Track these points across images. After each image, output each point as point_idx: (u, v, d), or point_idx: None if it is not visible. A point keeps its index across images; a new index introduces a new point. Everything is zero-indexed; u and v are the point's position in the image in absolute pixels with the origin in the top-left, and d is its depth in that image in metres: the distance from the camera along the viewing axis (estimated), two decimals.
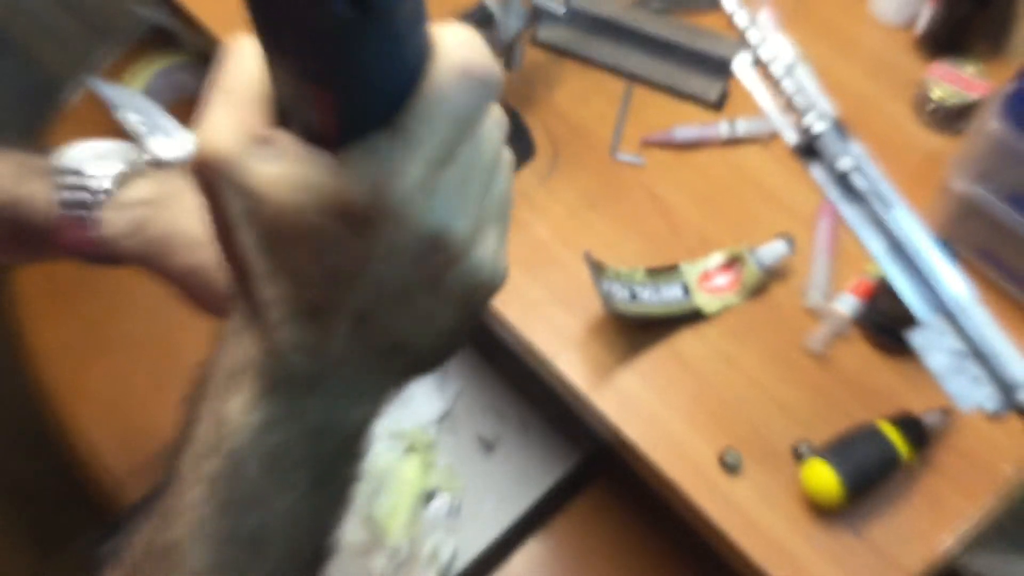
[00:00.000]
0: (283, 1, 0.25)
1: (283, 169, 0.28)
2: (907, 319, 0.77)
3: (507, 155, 0.33)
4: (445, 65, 0.28)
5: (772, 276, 0.83)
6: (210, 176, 0.29)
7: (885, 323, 0.78)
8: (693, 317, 0.81)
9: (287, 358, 0.31)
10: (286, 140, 0.28)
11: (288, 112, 0.29)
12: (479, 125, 0.30)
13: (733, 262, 0.82)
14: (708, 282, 0.78)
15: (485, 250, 0.32)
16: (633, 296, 0.75)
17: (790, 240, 0.82)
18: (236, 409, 0.31)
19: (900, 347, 0.79)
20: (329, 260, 0.29)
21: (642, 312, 0.76)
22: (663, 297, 0.77)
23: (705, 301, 0.78)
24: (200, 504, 0.32)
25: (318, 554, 0.36)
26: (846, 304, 0.81)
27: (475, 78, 0.29)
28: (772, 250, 0.82)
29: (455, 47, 0.29)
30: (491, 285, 0.33)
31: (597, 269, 0.78)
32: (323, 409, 0.32)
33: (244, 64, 0.29)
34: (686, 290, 0.78)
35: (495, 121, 0.31)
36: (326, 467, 0.34)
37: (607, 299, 0.76)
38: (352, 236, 0.28)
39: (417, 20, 0.28)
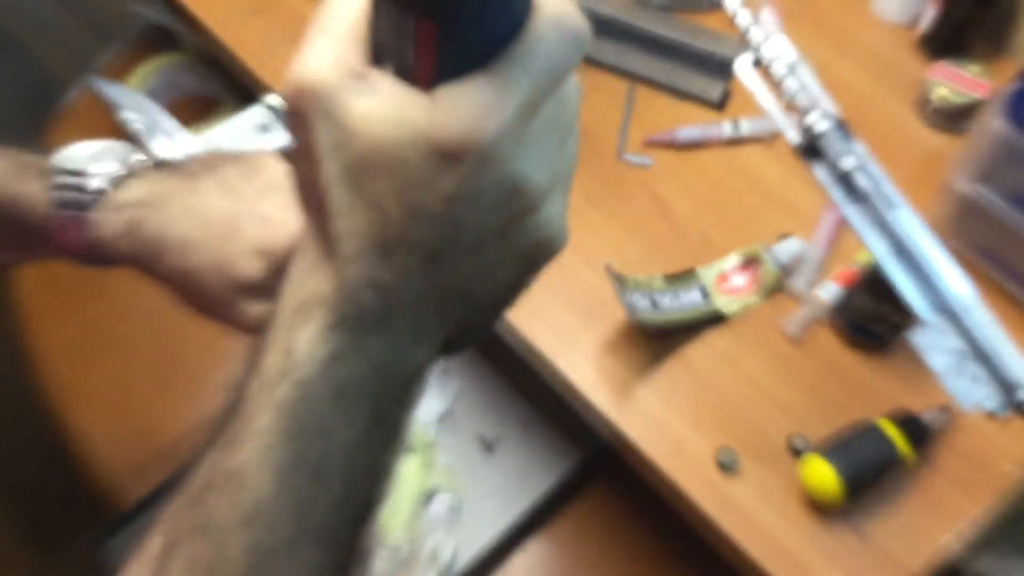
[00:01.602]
0: None
1: (378, 103, 0.29)
2: (881, 317, 0.77)
3: (579, 125, 0.34)
4: (546, 16, 0.29)
5: (785, 275, 0.83)
6: (304, 105, 0.29)
7: (859, 321, 0.78)
8: (714, 321, 0.80)
9: (358, 294, 0.31)
10: (381, 77, 0.29)
11: (384, 53, 0.30)
12: (566, 83, 0.31)
13: (749, 262, 0.82)
14: (725, 284, 0.78)
15: (556, 207, 0.32)
16: (654, 304, 0.75)
17: (800, 238, 0.82)
18: (305, 340, 0.32)
19: (873, 345, 0.79)
20: (413, 196, 0.29)
21: (665, 320, 0.76)
22: (683, 303, 0.76)
23: (724, 303, 0.78)
24: (267, 431, 0.32)
25: (372, 496, 0.36)
26: (827, 291, 0.81)
27: (572, 32, 0.30)
28: (788, 248, 0.82)
29: (554, 2, 0.29)
30: (556, 244, 0.34)
31: (619, 281, 0.77)
32: (388, 346, 0.33)
33: (345, 3, 0.30)
34: (704, 294, 0.78)
35: (575, 86, 0.32)
36: (385, 405, 0.34)
37: (631, 311, 0.75)
38: (439, 174, 0.29)
39: None
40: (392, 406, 0.35)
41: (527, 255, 0.33)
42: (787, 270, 0.82)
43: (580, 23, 0.30)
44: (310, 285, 0.33)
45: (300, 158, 0.31)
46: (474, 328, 0.36)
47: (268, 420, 0.33)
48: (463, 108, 0.28)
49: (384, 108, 0.29)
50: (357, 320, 0.32)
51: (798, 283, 0.82)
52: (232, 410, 0.34)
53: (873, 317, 0.77)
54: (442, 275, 0.32)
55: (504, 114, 0.28)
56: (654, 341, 0.80)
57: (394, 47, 0.29)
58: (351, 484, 0.34)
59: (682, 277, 0.79)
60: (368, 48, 0.30)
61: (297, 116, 0.30)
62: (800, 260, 0.83)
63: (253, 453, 0.33)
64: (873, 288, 0.75)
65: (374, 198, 0.30)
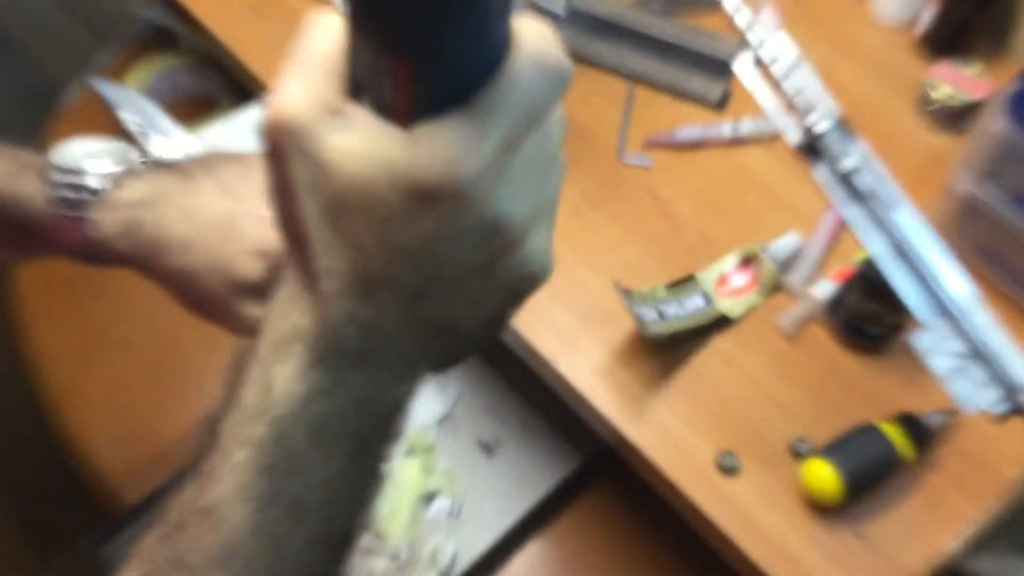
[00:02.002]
0: None
1: (355, 140, 0.28)
2: (874, 317, 0.77)
3: (563, 156, 0.34)
4: (524, 54, 0.29)
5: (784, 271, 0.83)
6: (280, 142, 0.29)
7: (852, 320, 0.78)
8: (721, 324, 0.80)
9: (339, 330, 0.31)
10: (359, 112, 0.29)
11: (362, 87, 0.29)
12: (547, 118, 0.30)
13: (748, 261, 0.82)
14: (726, 286, 0.77)
15: (539, 241, 0.32)
16: (661, 315, 0.74)
17: (797, 232, 0.82)
18: (284, 376, 0.32)
19: (867, 345, 0.79)
20: (392, 236, 0.29)
21: (673, 330, 0.75)
22: (687, 310, 0.76)
23: (728, 306, 0.78)
24: (244, 467, 0.32)
25: (350, 531, 0.36)
26: (823, 289, 0.81)
27: (551, 70, 0.29)
28: (784, 244, 0.82)
29: (535, 39, 0.29)
30: (540, 277, 0.34)
31: (627, 295, 0.77)
32: (368, 383, 0.33)
33: (322, 36, 0.30)
34: (707, 298, 0.78)
35: (559, 119, 0.32)
36: (366, 441, 0.34)
37: (642, 326, 0.75)
38: (418, 214, 0.28)
39: (504, 5, 0.28)
40: (372, 441, 0.35)
41: (511, 289, 0.33)
42: (785, 266, 0.82)
43: (560, 60, 0.30)
44: (290, 320, 0.32)
45: (278, 193, 0.31)
46: (458, 357, 0.35)
47: (245, 456, 0.32)
48: (441, 147, 0.28)
49: (361, 146, 0.28)
50: (337, 357, 0.32)
51: (795, 279, 0.82)
52: (210, 443, 0.34)
53: (866, 317, 0.77)
54: (424, 311, 0.32)
55: (483, 154, 0.28)
56: (656, 345, 0.79)
57: (372, 82, 0.29)
58: (329, 519, 0.34)
59: (683, 284, 0.79)
60: (346, 81, 0.30)
61: (273, 152, 0.30)
62: (798, 255, 0.83)
63: (229, 490, 0.32)
64: (866, 288, 0.75)
65: (353, 237, 0.29)
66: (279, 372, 0.32)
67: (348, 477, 0.34)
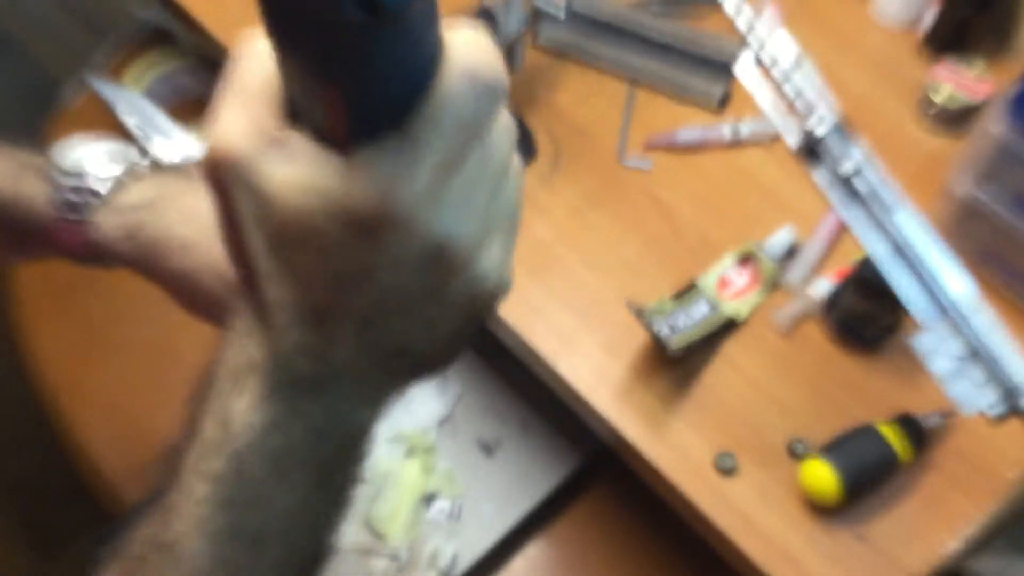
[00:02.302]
0: (294, 1, 0.25)
1: (293, 171, 0.28)
2: (869, 318, 0.77)
3: (516, 162, 0.33)
4: (455, 69, 0.28)
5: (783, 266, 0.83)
6: (221, 176, 0.29)
7: (847, 320, 0.78)
8: (730, 328, 0.79)
9: (292, 361, 0.31)
10: (297, 140, 0.28)
11: (300, 110, 0.29)
12: (487, 132, 0.30)
13: (746, 261, 0.82)
14: (728, 288, 0.77)
15: (490, 259, 0.31)
16: (672, 329, 0.74)
17: (792, 226, 0.82)
18: (241, 409, 0.32)
19: (862, 345, 0.79)
20: (335, 265, 0.29)
21: (687, 341, 0.74)
22: (694, 319, 0.75)
23: (733, 308, 0.77)
24: (203, 502, 0.32)
25: (317, 554, 0.36)
26: (820, 288, 0.81)
27: (484, 84, 0.28)
28: (780, 239, 0.82)
29: (465, 51, 0.28)
30: (497, 294, 0.33)
31: (640, 313, 0.76)
32: (327, 412, 0.32)
33: (256, 62, 0.29)
34: (711, 304, 0.77)
35: (504, 128, 0.31)
36: (328, 469, 0.34)
37: (664, 342, 0.74)
38: (359, 244, 0.28)
39: (428, 23, 0.27)
40: (335, 468, 0.34)
41: (466, 308, 0.32)
42: (784, 260, 0.82)
43: (493, 72, 0.29)
44: (245, 352, 0.32)
45: (225, 224, 0.31)
46: (423, 376, 0.35)
47: (205, 491, 0.32)
48: (374, 177, 0.27)
49: (299, 177, 0.28)
50: (292, 388, 0.31)
51: (793, 277, 0.82)
52: (170, 476, 0.33)
53: (862, 318, 0.77)
54: (377, 337, 0.31)
55: (417, 180, 0.27)
56: (675, 358, 0.79)
57: (307, 107, 0.28)
58: (292, 546, 0.34)
59: (686, 293, 0.78)
60: (284, 104, 0.29)
61: (215, 185, 0.29)
62: (798, 254, 0.83)
63: (190, 524, 0.32)
64: (862, 288, 0.75)
65: (299, 268, 0.29)
66: (236, 405, 0.32)
67: (311, 505, 0.34)
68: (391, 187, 0.27)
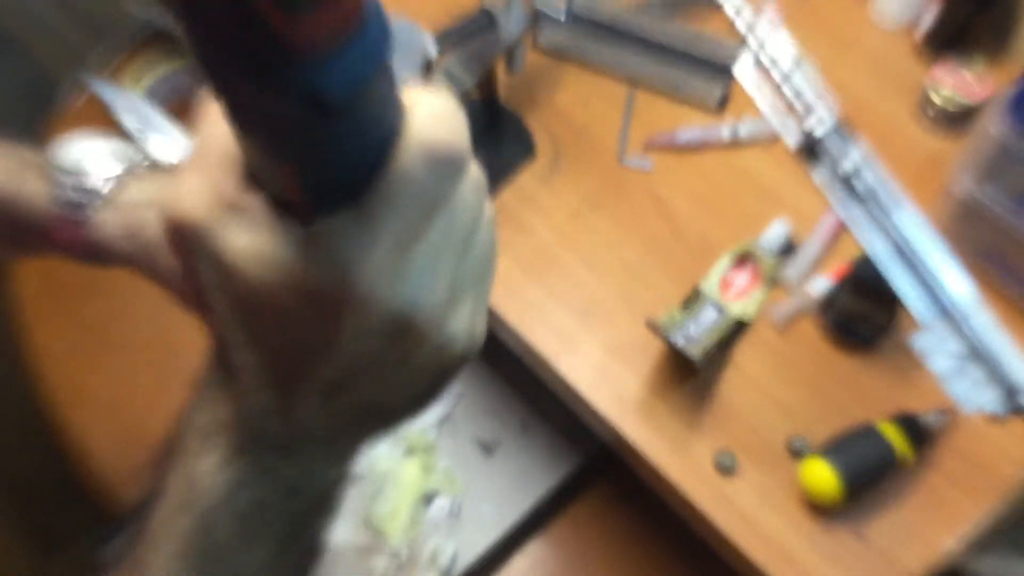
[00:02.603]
0: (241, 88, 0.25)
1: (252, 241, 0.27)
2: (864, 316, 0.77)
3: (488, 213, 0.32)
4: (412, 145, 0.28)
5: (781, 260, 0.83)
6: (181, 240, 0.28)
7: (842, 319, 0.78)
8: (741, 329, 0.79)
9: (260, 422, 0.31)
10: (257, 207, 0.28)
11: (260, 178, 0.29)
12: (450, 201, 0.29)
13: (744, 260, 0.82)
14: (730, 289, 0.77)
15: (459, 322, 0.31)
16: (688, 339, 0.73)
17: (785, 219, 0.82)
18: (208, 468, 0.31)
19: (857, 344, 0.79)
20: (297, 335, 0.29)
21: (705, 349, 0.74)
22: (705, 325, 0.75)
23: (739, 309, 0.77)
24: (171, 560, 0.32)
25: None
26: (818, 285, 0.81)
27: (443, 158, 0.28)
28: (774, 234, 0.82)
29: (424, 123, 0.28)
30: (467, 355, 0.32)
31: (658, 329, 0.75)
32: (297, 471, 0.32)
33: (217, 127, 0.29)
34: (718, 308, 0.77)
35: (471, 187, 0.30)
36: (298, 525, 0.34)
37: (686, 354, 0.73)
38: (318, 316, 0.28)
39: (382, 107, 0.27)
40: (305, 525, 0.34)
41: (435, 371, 0.32)
42: (782, 255, 0.82)
43: (453, 145, 0.28)
44: (214, 409, 0.32)
45: (191, 285, 0.30)
46: (395, 428, 0.35)
47: (172, 548, 0.32)
48: (332, 253, 0.27)
49: (259, 248, 0.27)
50: (261, 448, 0.31)
51: (791, 275, 0.82)
52: (140, 532, 0.33)
53: (857, 316, 0.77)
54: (346, 401, 0.31)
55: (374, 258, 0.27)
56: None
57: (266, 175, 0.28)
58: None
59: (693, 300, 0.77)
60: (245, 168, 0.29)
61: (178, 249, 0.29)
62: (792, 243, 0.84)
63: None
64: (858, 287, 0.75)
65: (261, 336, 0.29)
66: (204, 463, 0.31)
67: (281, 560, 0.34)
68: (348, 264, 0.27)
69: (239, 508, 0.32)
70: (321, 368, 0.29)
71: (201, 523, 0.32)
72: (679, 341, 0.72)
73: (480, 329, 0.33)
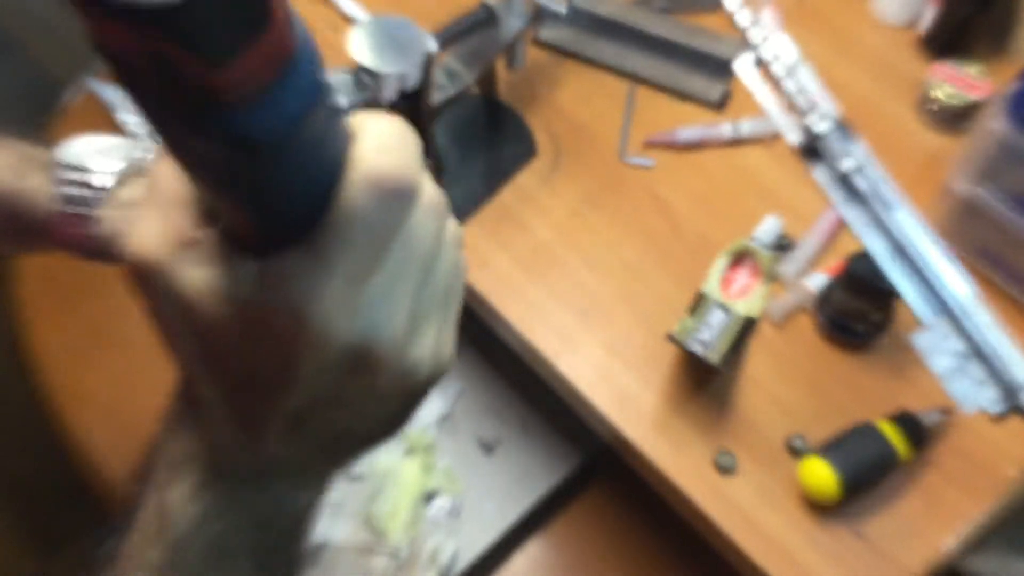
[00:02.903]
0: (176, 134, 0.25)
1: (207, 277, 0.27)
2: (858, 314, 0.77)
3: (452, 233, 0.32)
4: (358, 178, 0.27)
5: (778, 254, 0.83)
6: (140, 280, 0.29)
7: (836, 317, 0.78)
8: (750, 328, 0.78)
9: (228, 453, 0.31)
10: (212, 243, 0.28)
11: (215, 213, 0.29)
12: (403, 230, 0.29)
13: (741, 258, 0.82)
14: (731, 288, 0.77)
15: (423, 348, 0.31)
16: (704, 344, 0.73)
17: (778, 214, 0.82)
18: (178, 499, 0.31)
19: (852, 342, 0.79)
20: (255, 369, 0.29)
21: (722, 353, 0.72)
22: (716, 328, 0.74)
23: (744, 307, 0.76)
24: None
25: None
26: (815, 281, 0.81)
27: (390, 191, 0.28)
28: (767, 229, 0.82)
29: (370, 154, 0.28)
30: (433, 378, 0.32)
31: (675, 340, 0.75)
32: (267, 500, 0.32)
33: (171, 165, 0.29)
34: (724, 308, 0.77)
35: (427, 211, 0.30)
36: (270, 553, 0.34)
37: (707, 362, 0.72)
38: (276, 351, 0.28)
39: (321, 143, 0.27)
40: (277, 552, 0.34)
41: (402, 396, 0.32)
42: (778, 247, 0.82)
43: (402, 175, 0.28)
44: (182, 441, 0.32)
45: (155, 322, 0.31)
46: (367, 451, 0.35)
47: None
48: (285, 290, 0.27)
49: (215, 285, 0.27)
50: (229, 478, 0.31)
51: (788, 270, 0.82)
52: (111, 564, 0.33)
53: (851, 314, 0.77)
54: (313, 431, 0.31)
55: (327, 294, 0.27)
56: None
57: (217, 211, 0.28)
58: None
59: (699, 305, 0.77)
60: (200, 205, 0.29)
61: (138, 288, 0.29)
62: (788, 237, 0.84)
63: None
64: (852, 284, 0.75)
65: (222, 371, 0.29)
66: (173, 494, 0.31)
67: None
68: (301, 301, 0.27)
69: (209, 539, 0.31)
70: (283, 401, 0.29)
71: (171, 555, 0.31)
72: (697, 349, 0.72)
73: (447, 351, 0.33)
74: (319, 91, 0.26)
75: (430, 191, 0.30)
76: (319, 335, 0.27)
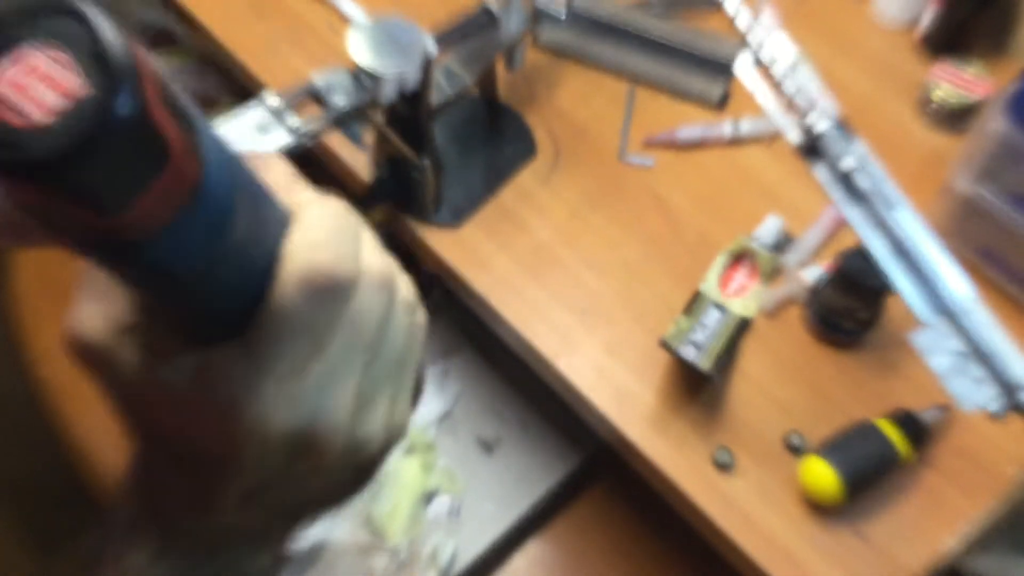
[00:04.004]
0: (90, 259, 0.25)
1: (147, 366, 0.27)
2: (847, 312, 0.77)
3: (401, 301, 0.31)
4: (290, 275, 0.27)
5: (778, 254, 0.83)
6: (82, 362, 0.29)
7: (825, 314, 0.78)
8: (744, 329, 0.78)
9: (182, 523, 0.31)
10: (152, 331, 0.28)
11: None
12: (342, 318, 0.28)
13: (740, 258, 0.82)
14: (728, 287, 0.77)
15: (372, 423, 0.31)
16: (696, 346, 0.73)
17: (778, 215, 0.82)
18: (136, 566, 0.31)
19: (841, 341, 0.79)
20: (199, 452, 0.29)
21: (715, 357, 0.72)
22: (710, 328, 0.74)
23: (740, 307, 0.76)
24: None
25: None
26: (812, 273, 0.82)
27: (324, 287, 0.27)
28: (768, 228, 0.82)
29: (304, 250, 0.27)
30: (386, 447, 0.32)
31: (667, 345, 0.75)
32: (226, 562, 0.32)
33: None
34: (720, 308, 0.77)
35: (370, 291, 0.29)
36: None
37: (697, 369, 0.72)
38: (216, 438, 0.28)
39: (243, 250, 0.26)
40: None
41: (353, 470, 0.32)
42: (779, 248, 0.82)
43: (336, 268, 0.27)
44: (139, 508, 0.32)
45: (105, 397, 0.31)
46: (325, 512, 0.34)
47: None
48: (221, 386, 0.27)
49: (154, 374, 0.27)
50: (186, 545, 0.31)
51: (790, 260, 0.83)
52: None
53: (838, 311, 0.77)
54: (265, 503, 0.31)
55: (264, 389, 0.27)
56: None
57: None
58: None
59: (695, 304, 0.77)
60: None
61: (83, 367, 0.29)
62: (788, 236, 0.84)
63: None
64: (841, 282, 0.75)
65: (168, 452, 0.29)
66: (132, 561, 0.31)
67: None
68: (237, 397, 0.27)
69: None
70: (229, 482, 0.29)
71: None
72: (688, 354, 0.72)
73: (402, 418, 0.32)
74: (235, 203, 0.25)
75: (374, 267, 0.30)
76: (257, 428, 0.27)
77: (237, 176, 0.26)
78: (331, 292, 0.27)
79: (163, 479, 0.31)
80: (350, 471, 0.32)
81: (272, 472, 0.29)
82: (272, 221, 0.28)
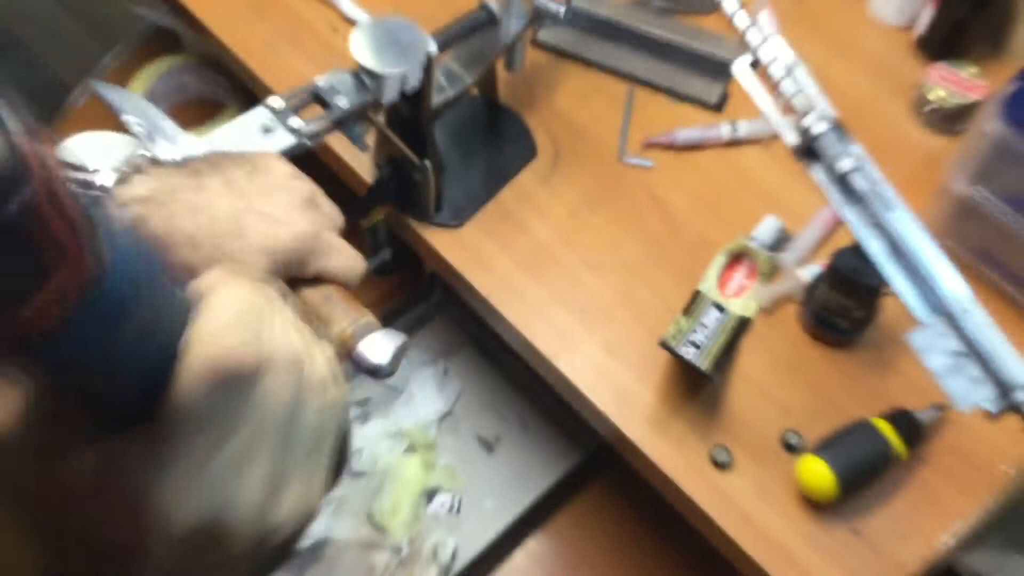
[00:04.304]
0: None
1: (49, 456, 0.27)
2: (841, 311, 0.77)
3: (315, 379, 0.31)
4: (193, 365, 0.27)
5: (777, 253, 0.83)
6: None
7: (820, 312, 0.79)
8: (743, 329, 0.78)
9: None
10: (57, 418, 0.27)
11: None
12: (249, 403, 0.28)
13: (738, 257, 0.82)
14: (727, 287, 0.77)
15: (285, 506, 0.30)
16: (696, 346, 0.73)
17: (776, 215, 0.83)
18: None
19: (836, 339, 0.80)
20: (109, 539, 0.28)
21: (713, 357, 0.73)
22: (710, 328, 0.74)
23: (739, 307, 0.77)
24: None
25: None
26: (809, 271, 0.82)
27: (228, 375, 0.27)
28: (767, 228, 0.83)
29: (207, 339, 0.27)
30: (301, 529, 0.32)
31: (667, 345, 0.74)
32: None
33: None
34: (719, 308, 0.77)
35: (280, 372, 0.29)
36: None
37: (697, 369, 0.72)
38: (124, 525, 0.28)
39: (147, 335, 0.26)
40: None
41: (268, 554, 0.31)
42: (777, 248, 0.83)
43: (240, 358, 0.27)
44: None
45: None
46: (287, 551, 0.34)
47: None
48: (126, 475, 0.26)
49: (59, 463, 0.27)
50: None
51: (788, 258, 0.83)
52: None
53: (834, 310, 0.77)
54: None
55: (168, 479, 0.27)
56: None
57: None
58: None
59: (694, 304, 0.77)
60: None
61: None
62: (786, 236, 0.84)
63: None
64: (835, 280, 0.76)
65: (80, 538, 0.29)
66: None
67: None
68: (141, 486, 0.26)
69: None
70: (141, 568, 0.29)
71: None
72: (688, 354, 0.72)
73: (316, 499, 0.32)
74: (138, 296, 0.25)
75: (280, 350, 0.29)
76: (161, 518, 0.27)
77: (140, 267, 0.25)
78: (234, 380, 0.27)
79: (79, 566, 0.30)
80: (263, 557, 0.31)
81: (181, 561, 0.29)
82: (176, 309, 0.27)
